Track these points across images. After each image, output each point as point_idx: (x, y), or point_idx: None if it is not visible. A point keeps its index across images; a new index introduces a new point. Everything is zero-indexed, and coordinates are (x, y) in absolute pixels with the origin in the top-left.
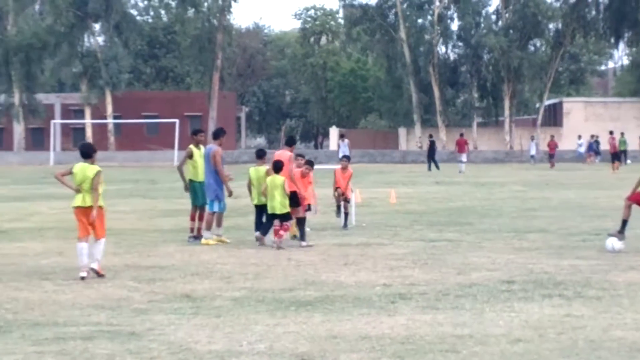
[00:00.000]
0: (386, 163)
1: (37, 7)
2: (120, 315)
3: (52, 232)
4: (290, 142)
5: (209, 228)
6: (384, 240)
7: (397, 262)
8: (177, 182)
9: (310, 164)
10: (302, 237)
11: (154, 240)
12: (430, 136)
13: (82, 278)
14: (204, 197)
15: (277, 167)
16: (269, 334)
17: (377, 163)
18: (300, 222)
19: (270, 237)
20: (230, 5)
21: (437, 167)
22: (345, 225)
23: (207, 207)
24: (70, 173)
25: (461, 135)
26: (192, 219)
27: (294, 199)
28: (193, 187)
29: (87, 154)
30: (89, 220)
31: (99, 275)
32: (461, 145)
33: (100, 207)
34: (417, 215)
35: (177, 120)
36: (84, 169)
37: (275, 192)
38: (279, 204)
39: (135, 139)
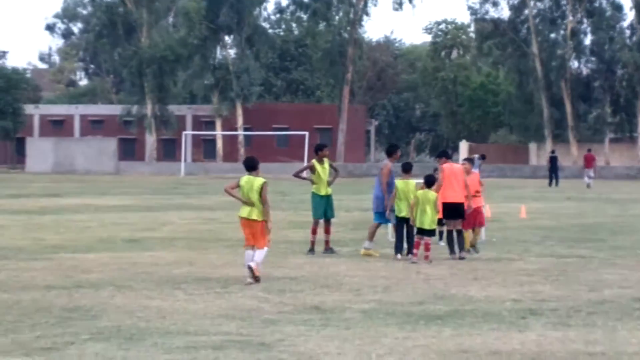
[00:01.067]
0: (516, 178)
1: (170, 19)
2: (250, 326)
3: (183, 242)
4: (443, 155)
5: (370, 239)
6: (514, 255)
7: (527, 277)
8: (305, 195)
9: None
10: (462, 248)
11: (284, 251)
12: (553, 151)
13: (249, 284)
14: (323, 211)
15: (430, 181)
16: (399, 347)
17: (507, 178)
18: (460, 233)
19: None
20: (361, 19)
21: (557, 182)
22: None
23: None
24: (238, 186)
25: (589, 150)
26: (313, 232)
27: (460, 211)
28: (314, 200)
29: (252, 166)
30: (252, 231)
31: (254, 276)
32: (588, 161)
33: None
34: (548, 231)
35: (306, 133)
36: (250, 181)
37: (427, 206)
38: (429, 220)
39: (266, 151)
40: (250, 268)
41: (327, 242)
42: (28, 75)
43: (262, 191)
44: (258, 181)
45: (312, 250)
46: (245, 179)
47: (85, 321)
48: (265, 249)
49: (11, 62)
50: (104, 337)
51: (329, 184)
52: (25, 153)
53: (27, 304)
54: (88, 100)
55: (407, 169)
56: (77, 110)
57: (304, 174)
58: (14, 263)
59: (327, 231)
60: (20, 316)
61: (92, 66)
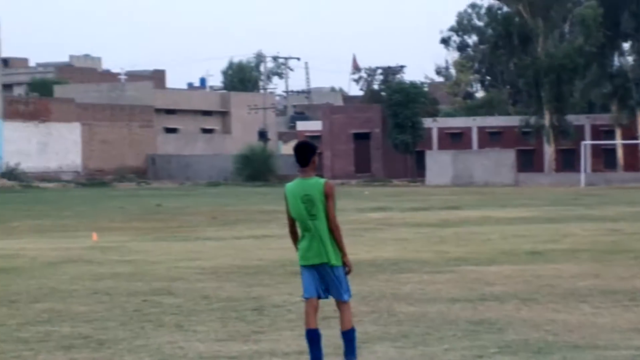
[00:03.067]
0: None
1: (566, 27)
2: None
3: (586, 254)
4: None
5: None
6: None
7: None
8: None
9: None
10: None
11: None
12: None
13: None
14: None
15: None
16: None
17: None
18: None
19: None
20: None
21: None
22: None
23: None
24: None
25: None
26: None
27: None
28: None
29: None
30: None
31: None
32: None
33: None
34: None
35: None
36: None
37: None
38: None
39: None
40: None
41: None
42: (426, 89)
43: None
44: None
45: None
46: None
47: (491, 334)
48: None
49: (409, 76)
50: (511, 351)
51: None
52: (425, 166)
53: (434, 316)
54: (485, 112)
55: None
56: (474, 123)
57: None
58: (419, 276)
59: None
60: (427, 329)
61: (488, 78)
